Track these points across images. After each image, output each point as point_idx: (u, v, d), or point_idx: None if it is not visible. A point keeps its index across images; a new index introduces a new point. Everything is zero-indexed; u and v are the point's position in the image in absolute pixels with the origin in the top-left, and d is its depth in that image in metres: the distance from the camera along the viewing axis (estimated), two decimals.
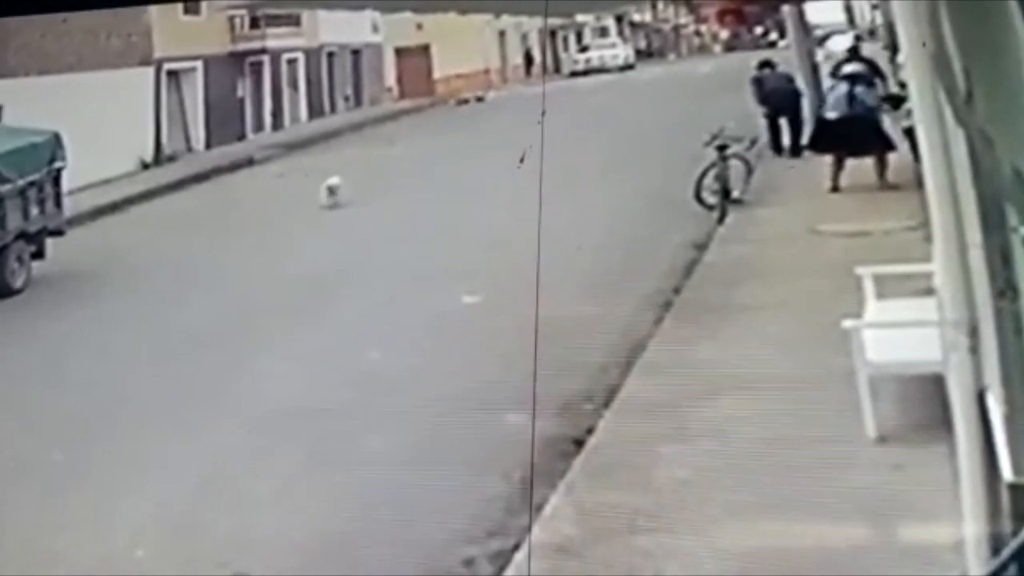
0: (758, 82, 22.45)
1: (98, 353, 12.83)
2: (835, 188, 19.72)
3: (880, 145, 19.71)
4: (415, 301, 15.88)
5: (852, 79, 20.57)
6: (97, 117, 30.93)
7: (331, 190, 22.68)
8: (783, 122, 22.94)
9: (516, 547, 8.26)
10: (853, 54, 26.55)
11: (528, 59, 65.62)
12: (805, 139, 21.60)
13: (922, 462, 8.67)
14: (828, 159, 19.95)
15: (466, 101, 54.67)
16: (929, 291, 9.42)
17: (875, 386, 9.26)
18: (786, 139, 22.99)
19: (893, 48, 26.78)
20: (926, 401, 9.38)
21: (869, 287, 10.90)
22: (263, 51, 44.04)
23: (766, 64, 24.28)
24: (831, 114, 20.07)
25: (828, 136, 19.97)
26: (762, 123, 22.41)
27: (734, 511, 8.25)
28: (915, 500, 8.08)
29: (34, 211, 20.48)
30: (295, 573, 8.69)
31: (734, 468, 9.00)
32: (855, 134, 19.58)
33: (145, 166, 35.90)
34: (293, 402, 12.24)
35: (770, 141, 23.27)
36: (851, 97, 20.15)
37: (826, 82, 21.25)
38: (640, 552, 7.78)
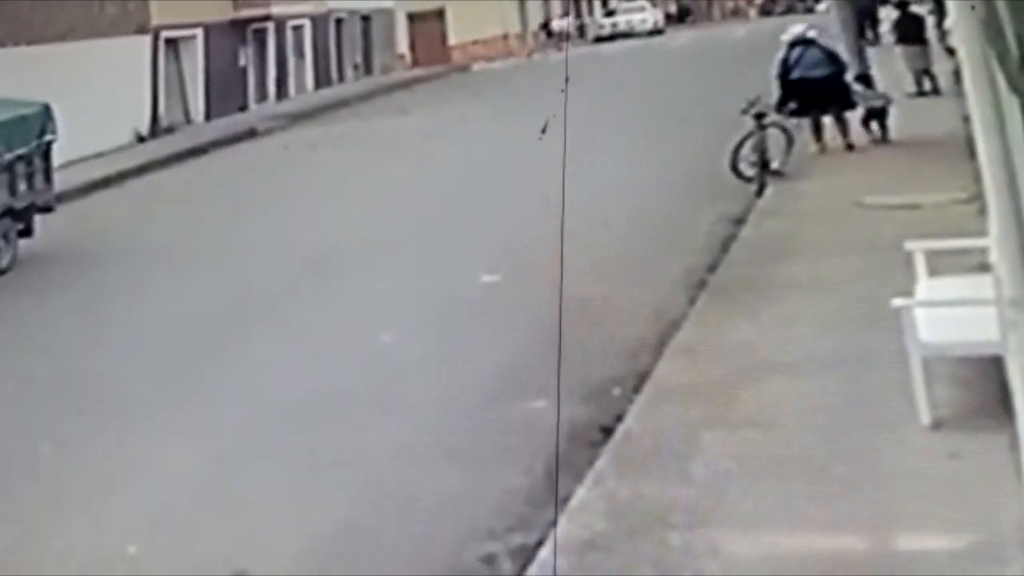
0: None
1: (86, 339, 12.76)
2: (822, 150, 21.59)
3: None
4: (431, 280, 15.82)
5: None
6: (90, 88, 31.06)
7: None
8: None
9: (540, 543, 8.14)
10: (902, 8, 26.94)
11: (546, 27, 65.53)
12: None
13: (980, 450, 8.53)
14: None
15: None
16: (985, 267, 9.32)
17: (928, 369, 9.10)
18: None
19: (940, 12, 26.78)
20: (983, 384, 9.28)
21: (920, 263, 10.74)
22: (267, 18, 44.14)
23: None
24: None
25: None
26: None
27: (780, 504, 8.11)
28: (973, 490, 7.94)
29: (22, 186, 20.49)
30: (303, 572, 8.58)
31: (779, 457, 8.87)
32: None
33: (141, 139, 36.02)
34: (299, 389, 12.17)
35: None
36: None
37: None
38: (677, 549, 7.65)
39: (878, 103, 22.26)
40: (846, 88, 21.78)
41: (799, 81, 21.26)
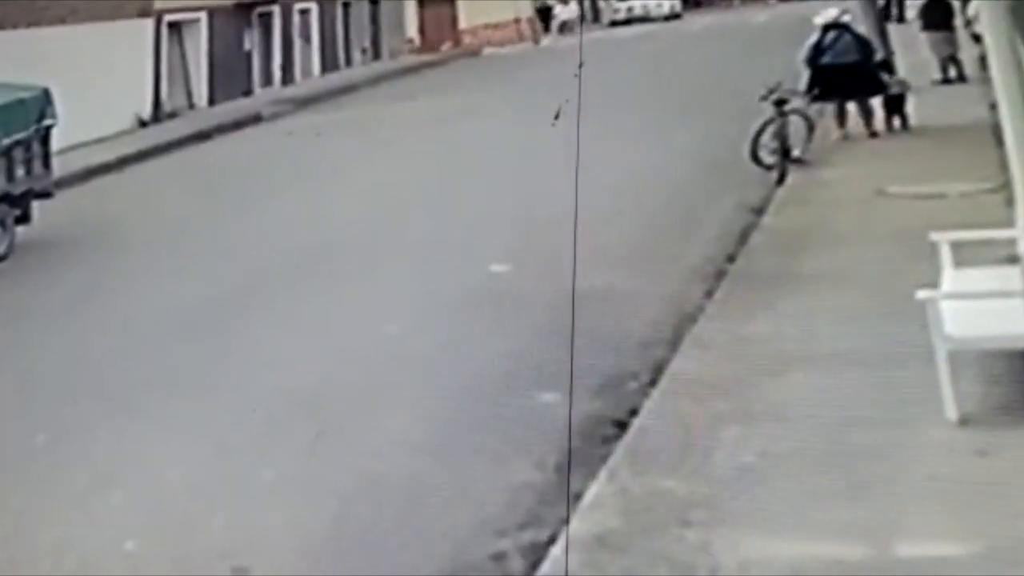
0: None
1: (84, 328, 12.72)
2: (845, 137, 21.73)
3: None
4: (438, 270, 15.75)
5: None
6: (91, 72, 31.00)
7: None
8: None
9: (552, 540, 8.07)
10: None
11: (545, 13, 65.03)
12: None
13: (1008, 447, 8.48)
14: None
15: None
16: (1012, 259, 9.25)
17: (954, 363, 9.03)
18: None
19: None
20: (1011, 379, 9.25)
21: (946, 254, 10.67)
22: (273, 1, 44.01)
23: None
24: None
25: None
26: None
27: (800, 501, 8.03)
28: (1001, 488, 7.87)
29: (20, 172, 20.46)
30: (305, 568, 8.52)
31: (799, 453, 8.79)
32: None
33: (143, 124, 35.98)
34: (302, 380, 12.10)
35: None
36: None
37: None
38: (694, 547, 7.57)
39: (896, 90, 22.18)
40: (873, 74, 21.79)
41: (829, 67, 21.36)
